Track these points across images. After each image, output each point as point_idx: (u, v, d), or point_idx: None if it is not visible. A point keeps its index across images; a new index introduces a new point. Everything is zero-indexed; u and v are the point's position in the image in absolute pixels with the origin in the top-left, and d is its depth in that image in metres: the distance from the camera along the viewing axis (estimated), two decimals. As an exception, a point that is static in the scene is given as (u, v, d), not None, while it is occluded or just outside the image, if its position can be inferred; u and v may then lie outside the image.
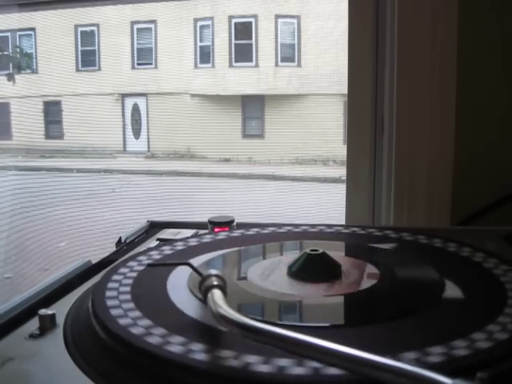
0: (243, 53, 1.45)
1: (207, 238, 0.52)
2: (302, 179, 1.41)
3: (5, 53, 1.41)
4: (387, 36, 0.74)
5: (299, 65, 1.42)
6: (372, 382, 0.24)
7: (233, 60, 1.45)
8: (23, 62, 1.42)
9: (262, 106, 1.52)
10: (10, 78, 1.40)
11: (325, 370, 0.26)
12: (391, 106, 0.73)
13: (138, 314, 0.34)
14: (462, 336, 0.30)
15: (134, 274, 0.41)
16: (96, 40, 1.45)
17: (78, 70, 1.49)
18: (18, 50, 1.42)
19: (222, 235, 0.53)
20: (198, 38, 1.44)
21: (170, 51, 1.46)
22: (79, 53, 1.47)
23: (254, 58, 1.45)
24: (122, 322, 0.32)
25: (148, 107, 1.52)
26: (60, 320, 0.35)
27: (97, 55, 1.48)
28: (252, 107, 1.54)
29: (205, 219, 0.58)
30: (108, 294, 0.37)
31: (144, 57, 1.49)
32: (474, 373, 0.22)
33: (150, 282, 0.40)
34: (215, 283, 0.32)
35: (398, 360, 0.24)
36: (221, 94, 1.51)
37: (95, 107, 1.46)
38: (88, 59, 1.48)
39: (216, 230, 0.56)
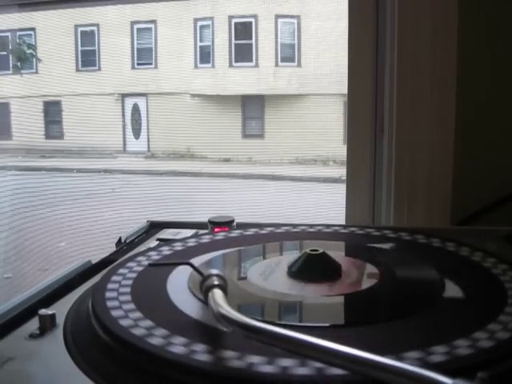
0: (243, 53, 1.45)
1: (207, 238, 0.52)
2: (302, 179, 1.41)
3: (9, 48, 1.41)
4: (387, 36, 0.73)
5: (299, 65, 1.42)
6: (373, 381, 0.24)
7: (233, 60, 1.45)
8: (28, 54, 1.42)
9: (262, 106, 1.52)
10: (16, 70, 1.41)
11: (328, 370, 0.26)
12: (391, 106, 0.73)
13: (138, 314, 0.34)
14: (463, 335, 0.30)
15: (135, 274, 0.41)
16: (96, 40, 1.45)
17: (78, 69, 1.49)
18: (21, 41, 1.42)
19: (223, 235, 0.53)
20: (198, 38, 1.44)
21: (170, 51, 1.46)
22: (79, 53, 1.47)
23: (254, 58, 1.45)
24: (123, 322, 0.32)
25: (148, 107, 1.52)
26: (60, 320, 0.35)
27: (97, 55, 1.48)
28: (252, 107, 1.54)
29: (205, 219, 0.58)
30: (108, 293, 0.37)
31: (144, 57, 1.49)
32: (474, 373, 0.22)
33: (151, 281, 0.40)
34: (216, 283, 0.32)
35: (398, 360, 0.24)
36: (221, 94, 1.51)
37: (95, 107, 1.46)
38: (88, 59, 1.48)
39: (216, 229, 0.56)
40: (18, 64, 1.43)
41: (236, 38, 1.42)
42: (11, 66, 1.45)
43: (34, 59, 1.43)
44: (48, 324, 0.34)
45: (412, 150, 0.72)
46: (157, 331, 0.31)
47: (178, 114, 1.45)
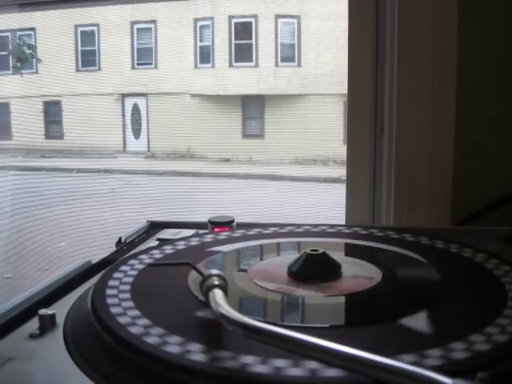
0: (243, 53, 1.45)
1: (208, 238, 0.52)
2: (302, 179, 1.41)
3: (9, 48, 1.41)
4: (387, 36, 0.74)
5: (299, 65, 1.42)
6: (372, 382, 0.24)
7: (233, 60, 1.45)
8: (27, 54, 1.42)
9: (262, 106, 1.52)
10: (16, 70, 1.41)
11: (322, 372, 0.26)
12: (391, 106, 0.73)
13: (137, 313, 0.34)
14: (461, 338, 0.29)
15: (134, 274, 0.41)
16: (96, 40, 1.45)
17: (78, 70, 1.49)
18: (21, 42, 1.42)
19: (223, 235, 0.53)
20: (198, 38, 1.44)
21: (170, 51, 1.46)
22: (79, 53, 1.47)
23: (254, 58, 1.45)
24: (121, 320, 0.32)
25: (148, 107, 1.52)
26: (60, 320, 0.35)
27: (97, 55, 1.48)
28: (252, 107, 1.54)
29: (205, 219, 0.58)
30: (108, 293, 0.37)
31: (144, 57, 1.49)
32: (474, 374, 0.22)
33: (151, 281, 0.40)
34: (216, 283, 0.32)
35: (398, 361, 0.24)
36: (221, 94, 1.51)
37: (95, 107, 1.46)
38: (88, 59, 1.48)
39: (216, 229, 0.56)
40: (18, 64, 1.43)
41: (236, 38, 1.42)
42: (11, 66, 1.45)
43: (34, 59, 1.43)
44: (48, 324, 0.34)
45: (412, 149, 0.72)
46: (153, 330, 0.31)
47: (178, 114, 1.45)
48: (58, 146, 1.50)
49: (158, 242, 0.55)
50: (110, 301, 0.36)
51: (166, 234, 0.58)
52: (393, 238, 0.51)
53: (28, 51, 1.42)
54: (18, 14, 1.21)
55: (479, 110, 0.74)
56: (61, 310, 0.37)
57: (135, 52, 1.48)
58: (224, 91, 1.50)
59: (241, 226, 0.56)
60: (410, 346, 0.29)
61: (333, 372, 0.26)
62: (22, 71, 1.44)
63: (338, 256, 0.43)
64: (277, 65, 1.44)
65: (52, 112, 1.53)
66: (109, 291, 0.37)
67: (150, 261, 0.44)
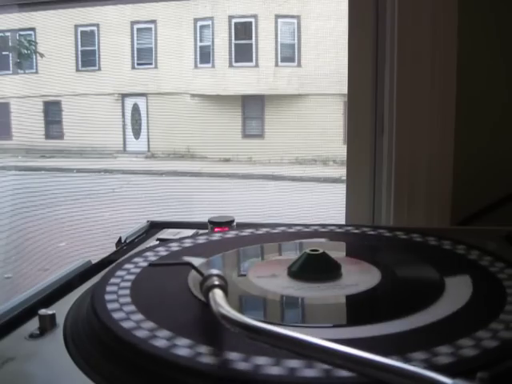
0: (243, 53, 1.45)
1: (207, 238, 0.52)
2: (302, 179, 1.41)
3: (9, 45, 1.41)
4: (387, 36, 0.73)
5: (299, 65, 1.42)
6: (376, 381, 0.24)
7: (233, 60, 1.45)
8: (29, 48, 1.42)
9: (262, 106, 1.52)
10: (17, 67, 1.41)
11: (336, 372, 0.26)
12: (391, 106, 0.73)
13: (140, 316, 0.33)
14: (467, 335, 0.29)
15: (134, 274, 0.41)
16: (96, 40, 1.45)
17: (78, 70, 1.49)
18: (21, 38, 1.42)
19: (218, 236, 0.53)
20: (198, 38, 1.44)
21: (170, 51, 1.46)
22: (79, 53, 1.47)
23: (254, 58, 1.45)
24: (125, 324, 0.32)
25: (148, 107, 1.52)
26: (60, 320, 0.35)
27: (97, 55, 1.48)
28: (252, 107, 1.54)
29: (205, 219, 0.58)
30: (108, 294, 0.37)
31: (144, 57, 1.49)
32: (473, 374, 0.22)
33: (151, 281, 0.40)
34: (216, 283, 0.32)
35: (400, 360, 0.24)
36: (221, 94, 1.51)
37: (95, 107, 1.46)
38: (88, 59, 1.48)
39: (216, 229, 0.56)
40: (19, 60, 1.43)
41: (236, 38, 1.42)
42: (12, 64, 1.45)
43: (35, 56, 1.43)
44: (48, 324, 0.34)
45: (412, 150, 0.72)
46: (160, 333, 0.31)
47: (177, 114, 1.45)
48: (58, 146, 1.50)
49: (157, 242, 0.55)
50: (110, 305, 0.35)
51: (166, 234, 0.58)
52: (392, 238, 0.51)
53: (30, 46, 1.42)
54: (18, 13, 1.21)
55: (479, 110, 0.74)
56: (61, 310, 0.37)
57: (135, 52, 1.48)
58: (224, 91, 1.50)
59: (241, 226, 0.56)
60: (410, 346, 0.29)
61: (346, 372, 0.26)
62: (22, 71, 1.44)
63: (338, 256, 0.43)
64: (277, 65, 1.44)
65: (52, 112, 1.53)
66: (108, 292, 0.37)
67: (150, 260, 0.44)
